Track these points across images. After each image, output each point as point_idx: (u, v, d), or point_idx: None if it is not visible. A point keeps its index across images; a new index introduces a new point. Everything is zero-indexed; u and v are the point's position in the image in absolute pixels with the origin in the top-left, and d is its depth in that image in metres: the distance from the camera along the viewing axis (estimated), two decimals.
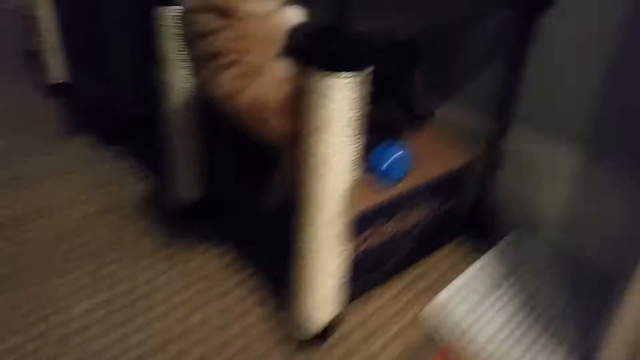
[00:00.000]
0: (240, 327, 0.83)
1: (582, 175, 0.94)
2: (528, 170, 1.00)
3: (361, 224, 0.80)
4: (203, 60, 0.69)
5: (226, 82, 0.67)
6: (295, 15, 0.68)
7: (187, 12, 0.70)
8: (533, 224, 1.00)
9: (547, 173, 0.98)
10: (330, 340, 0.80)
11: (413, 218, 0.91)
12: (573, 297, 0.88)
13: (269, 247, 0.93)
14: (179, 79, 0.90)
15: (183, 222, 1.03)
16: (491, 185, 1.01)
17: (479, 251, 0.97)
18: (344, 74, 0.59)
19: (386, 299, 0.88)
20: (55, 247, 0.97)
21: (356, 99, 0.61)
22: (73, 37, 1.43)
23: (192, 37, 0.71)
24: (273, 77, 0.67)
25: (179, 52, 0.86)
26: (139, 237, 1.00)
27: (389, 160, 0.61)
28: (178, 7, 0.82)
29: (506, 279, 0.91)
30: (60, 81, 1.53)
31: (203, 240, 0.99)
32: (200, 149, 0.99)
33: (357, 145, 0.65)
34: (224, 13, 0.66)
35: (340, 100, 0.61)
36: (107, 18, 1.17)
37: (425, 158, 0.90)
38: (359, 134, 0.65)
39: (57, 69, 1.51)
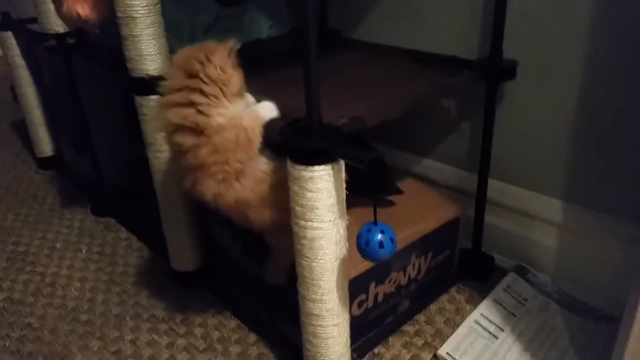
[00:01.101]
0: None
1: (567, 218, 0.95)
2: (513, 218, 1.02)
3: (356, 288, 0.81)
4: (185, 170, 0.72)
5: (208, 189, 0.70)
6: (267, 110, 0.70)
7: (163, 133, 0.72)
8: (526, 267, 1.01)
9: (531, 220, 1.00)
10: None
11: (408, 274, 0.92)
12: (572, 339, 0.89)
13: (273, 315, 0.94)
14: (166, 160, 0.91)
15: (181, 293, 1.04)
16: (481, 232, 1.02)
17: (479, 295, 0.98)
18: (320, 166, 0.61)
19: (399, 346, 0.89)
20: (58, 329, 0.97)
21: (334, 187, 0.63)
22: (57, 114, 1.46)
23: (172, 153, 0.74)
24: (250, 178, 0.70)
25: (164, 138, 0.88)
26: (140, 312, 1.00)
27: (370, 244, 0.62)
28: (156, 96, 0.84)
29: (507, 324, 0.92)
30: (49, 154, 1.55)
31: (203, 310, 0.99)
32: (194, 221, 1.00)
33: (340, 227, 0.67)
34: (196, 132, 0.68)
35: (319, 189, 0.62)
36: (87, 99, 1.19)
37: (414, 215, 0.92)
38: (340, 217, 0.66)
39: (44, 143, 1.54)
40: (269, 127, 0.68)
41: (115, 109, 1.25)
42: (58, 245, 1.22)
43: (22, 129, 1.70)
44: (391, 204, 0.94)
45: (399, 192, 0.94)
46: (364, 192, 0.63)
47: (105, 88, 1.22)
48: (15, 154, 1.68)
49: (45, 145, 1.53)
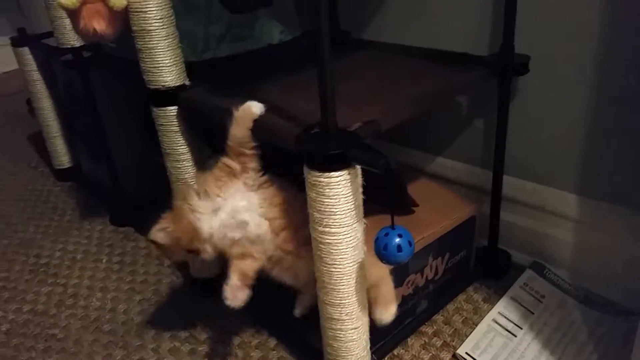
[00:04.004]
0: None
1: (583, 213, 0.95)
2: (529, 214, 1.02)
3: None
4: None
5: None
6: None
7: None
8: (543, 264, 1.01)
9: (547, 215, 1.00)
10: None
11: (426, 276, 0.92)
12: (591, 334, 0.89)
13: (293, 319, 0.94)
14: (184, 170, 0.93)
15: (201, 300, 1.05)
16: (497, 229, 1.02)
17: (497, 294, 0.98)
18: (336, 172, 0.62)
19: (418, 347, 0.90)
20: (82, 339, 0.99)
21: (351, 192, 0.64)
22: (74, 125, 1.48)
23: None
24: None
25: (182, 148, 0.90)
26: (161, 320, 1.02)
27: (388, 248, 0.62)
28: (174, 107, 0.86)
29: (525, 321, 0.92)
30: (67, 166, 1.57)
31: (223, 317, 1.00)
32: None
33: (358, 231, 0.68)
34: None
35: (336, 195, 0.63)
36: (104, 109, 1.21)
37: (430, 216, 0.92)
38: (358, 221, 0.67)
39: (62, 155, 1.56)
40: (284, 134, 0.69)
41: (133, 119, 1.27)
42: (79, 256, 1.24)
43: (38, 142, 1.72)
44: (410, 213, 0.94)
45: (415, 205, 0.94)
46: (381, 204, 0.64)
47: (122, 98, 1.23)
48: (32, 166, 1.71)
49: (62, 157, 1.56)
